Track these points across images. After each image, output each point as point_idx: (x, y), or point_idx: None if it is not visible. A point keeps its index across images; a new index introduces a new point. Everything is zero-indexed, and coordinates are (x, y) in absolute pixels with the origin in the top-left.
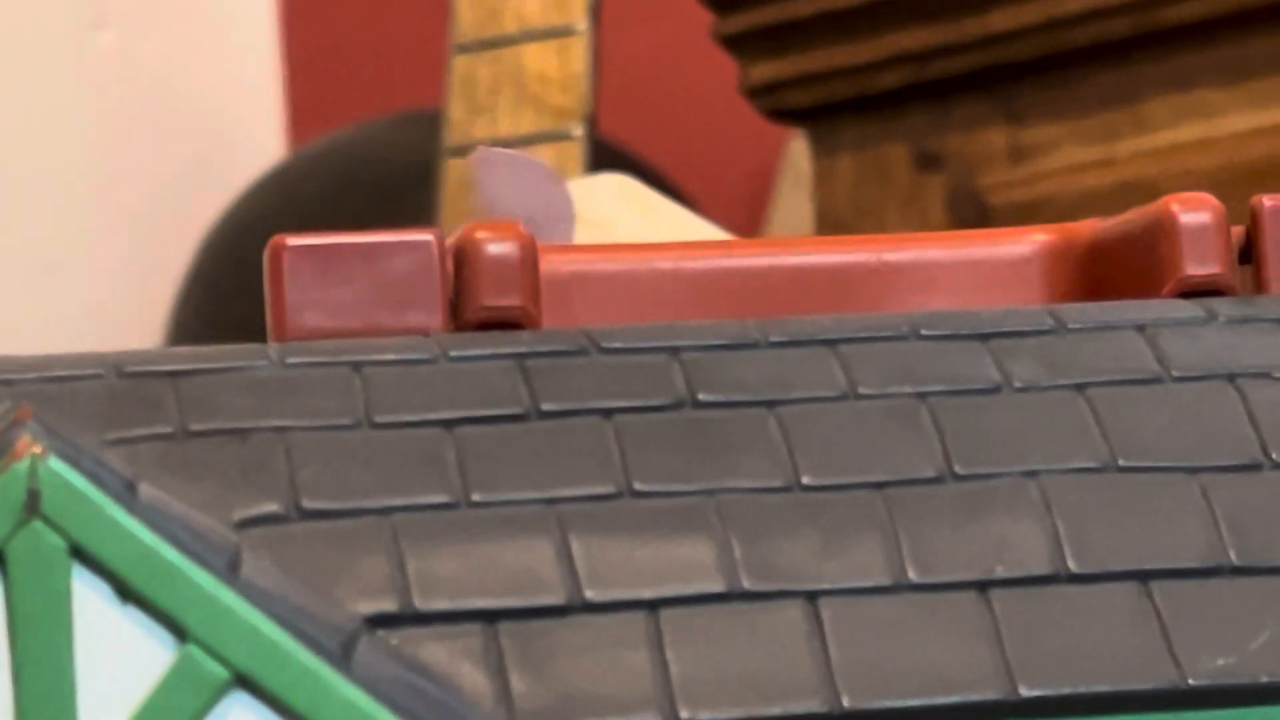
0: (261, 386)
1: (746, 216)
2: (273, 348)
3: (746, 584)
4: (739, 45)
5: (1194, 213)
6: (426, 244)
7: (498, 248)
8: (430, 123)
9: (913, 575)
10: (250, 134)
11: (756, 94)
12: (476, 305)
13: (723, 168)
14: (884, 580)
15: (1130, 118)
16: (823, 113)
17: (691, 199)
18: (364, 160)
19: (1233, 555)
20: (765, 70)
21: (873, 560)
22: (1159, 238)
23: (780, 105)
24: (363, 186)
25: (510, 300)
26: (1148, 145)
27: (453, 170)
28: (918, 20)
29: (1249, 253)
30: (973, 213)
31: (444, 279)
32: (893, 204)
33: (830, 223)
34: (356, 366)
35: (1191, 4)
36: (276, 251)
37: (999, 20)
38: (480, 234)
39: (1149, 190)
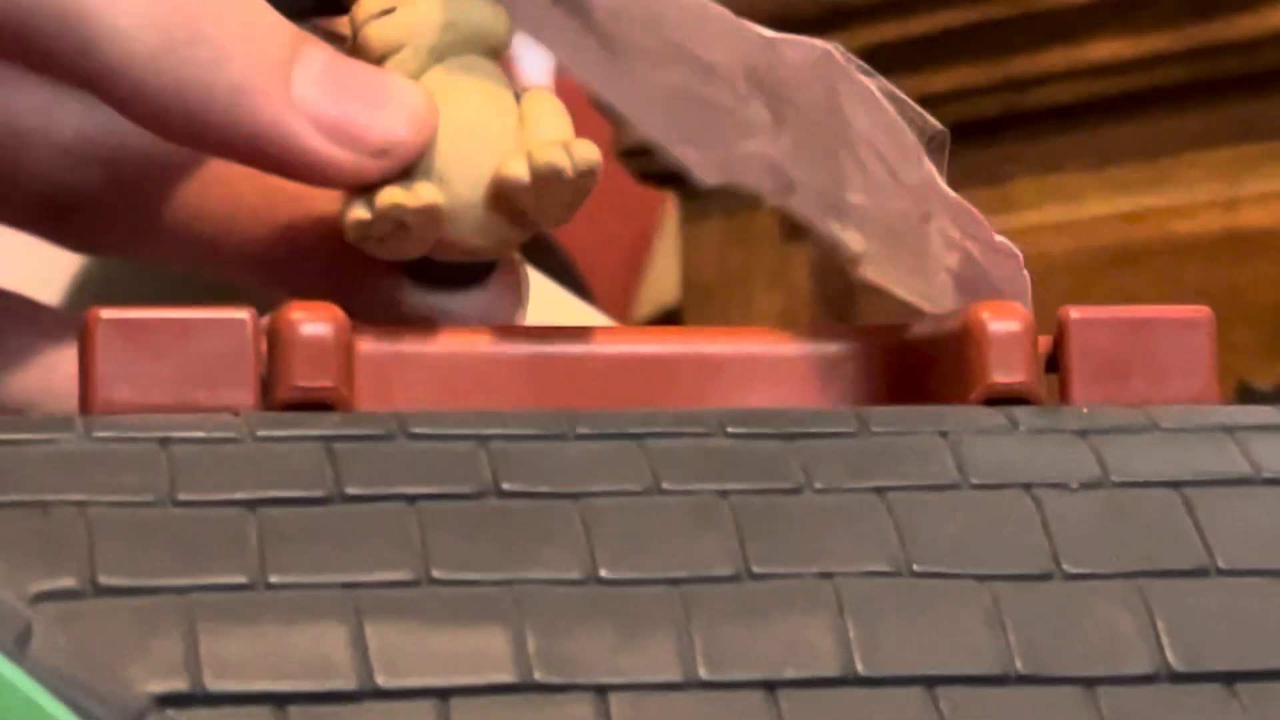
0: (66, 460)
1: (624, 277)
2: (80, 420)
3: (538, 675)
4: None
5: (1002, 321)
6: (241, 322)
7: (311, 328)
8: None
9: (703, 672)
10: None
11: (628, 156)
12: (288, 385)
13: (602, 227)
14: (674, 676)
15: (995, 197)
16: None
17: (569, 257)
18: None
19: (1019, 664)
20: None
21: (664, 656)
22: (967, 344)
23: (651, 169)
24: None
25: (322, 381)
26: (1011, 224)
27: None
28: None
29: (1055, 362)
30: (838, 284)
31: (256, 358)
32: (759, 272)
33: (696, 288)
34: (163, 443)
35: (1058, 88)
36: (89, 323)
37: None
38: (295, 314)
39: None
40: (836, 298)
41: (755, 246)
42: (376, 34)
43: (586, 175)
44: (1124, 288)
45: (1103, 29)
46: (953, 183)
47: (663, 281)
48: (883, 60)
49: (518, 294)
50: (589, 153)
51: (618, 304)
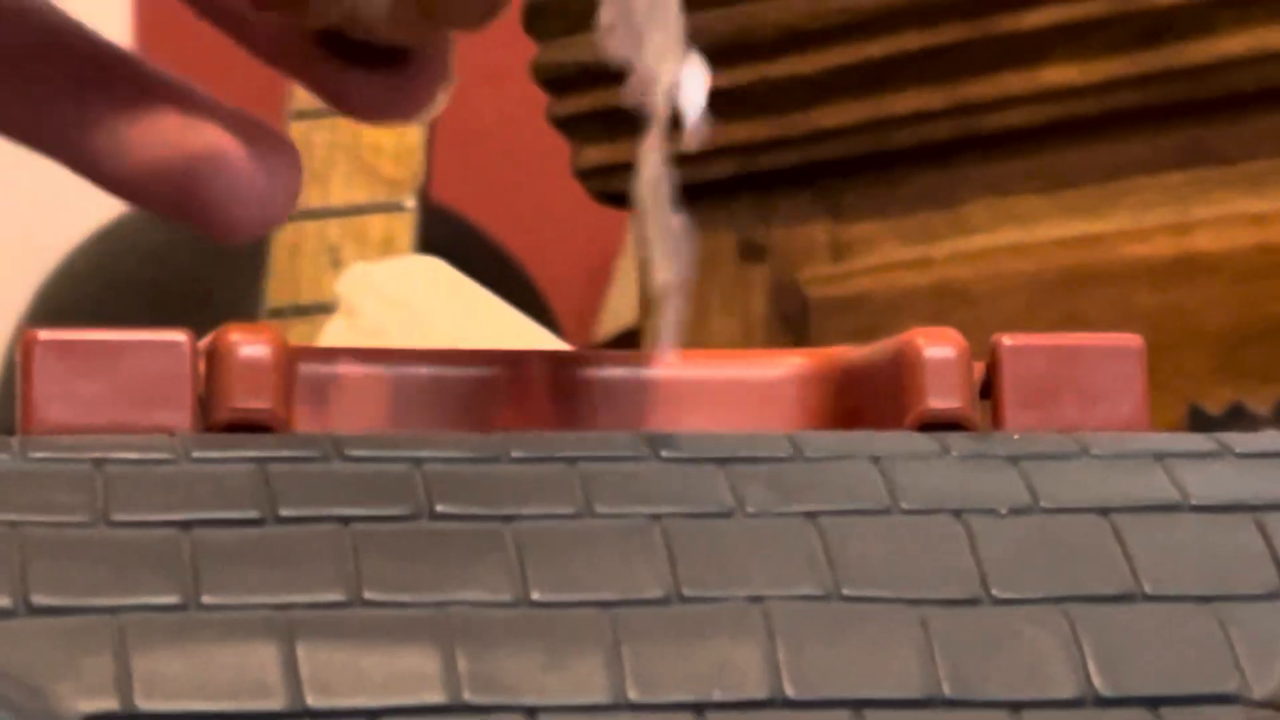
0: (1, 480)
1: (586, 296)
2: (16, 441)
3: (468, 696)
4: (571, 127)
5: (938, 347)
6: (178, 344)
7: (250, 350)
8: None
9: (632, 694)
10: (88, 191)
11: (587, 176)
12: (225, 406)
13: (566, 244)
14: (604, 698)
15: (949, 219)
16: None
17: (533, 275)
18: None
19: (946, 688)
20: (596, 153)
21: (594, 677)
22: (903, 369)
23: (609, 188)
24: (198, 242)
25: (259, 403)
26: (965, 247)
27: (283, 235)
28: (746, 113)
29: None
30: (793, 305)
31: (194, 379)
32: (716, 293)
33: (654, 308)
34: (98, 464)
35: (1012, 112)
36: (27, 344)
37: (825, 117)
38: (233, 336)
39: (964, 292)
40: (792, 320)
41: (712, 268)
42: None
43: None
44: (1076, 311)
45: (1056, 54)
46: (906, 205)
47: (624, 301)
48: (837, 83)
49: (430, 85)
50: None
51: (580, 323)
